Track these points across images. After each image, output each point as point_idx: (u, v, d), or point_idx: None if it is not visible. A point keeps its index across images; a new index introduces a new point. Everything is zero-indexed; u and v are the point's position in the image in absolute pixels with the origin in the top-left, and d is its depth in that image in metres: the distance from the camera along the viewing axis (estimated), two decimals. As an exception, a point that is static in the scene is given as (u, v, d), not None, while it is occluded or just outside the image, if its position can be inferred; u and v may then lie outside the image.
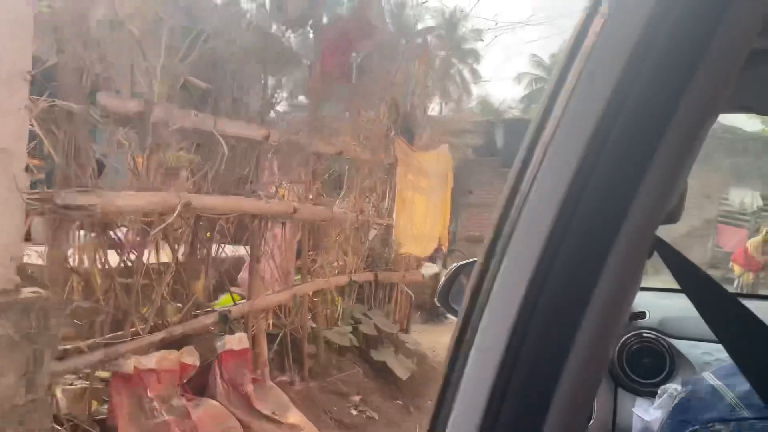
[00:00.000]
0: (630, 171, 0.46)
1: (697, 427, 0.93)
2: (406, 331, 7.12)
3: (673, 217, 0.66)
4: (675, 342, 1.70)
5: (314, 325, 5.14)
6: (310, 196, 5.03)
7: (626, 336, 1.72)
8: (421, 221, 6.68)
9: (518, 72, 31.89)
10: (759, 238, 10.28)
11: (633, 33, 0.46)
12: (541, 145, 0.50)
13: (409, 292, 6.60)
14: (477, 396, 0.48)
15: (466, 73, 31.62)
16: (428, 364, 6.72)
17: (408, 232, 6.39)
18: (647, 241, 0.48)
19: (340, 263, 5.67)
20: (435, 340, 8.78)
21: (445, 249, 9.47)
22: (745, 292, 9.01)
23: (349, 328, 5.47)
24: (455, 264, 1.72)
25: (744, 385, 0.87)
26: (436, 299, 1.64)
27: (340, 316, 5.51)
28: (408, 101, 6.74)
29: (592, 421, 1.61)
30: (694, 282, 0.62)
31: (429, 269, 10.96)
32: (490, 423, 0.47)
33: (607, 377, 1.70)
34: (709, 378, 0.98)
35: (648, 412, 1.53)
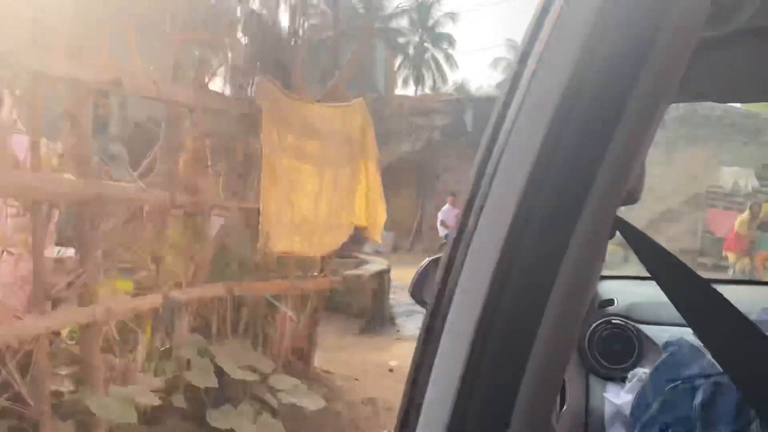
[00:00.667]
0: (588, 156, 0.48)
1: (678, 382, 1.02)
2: (306, 362, 4.94)
3: (632, 198, 0.70)
4: (643, 327, 1.73)
5: (71, 389, 2.92)
6: (55, 160, 2.83)
7: (596, 323, 1.74)
8: (310, 204, 4.47)
9: (494, 57, 30.41)
10: (745, 214, 10.13)
11: (586, 24, 0.48)
12: (503, 133, 0.52)
13: (291, 314, 4.36)
14: (448, 381, 0.49)
15: (438, 55, 29.89)
16: (329, 414, 4.53)
17: (284, 221, 4.18)
18: (608, 221, 0.50)
19: (149, 274, 3.46)
20: (371, 359, 6.57)
21: (378, 239, 7.10)
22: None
23: (158, 382, 3.25)
24: (428, 258, 1.72)
25: None
26: (409, 293, 1.64)
27: (145, 363, 3.29)
28: (290, 27, 4.55)
29: (565, 407, 1.63)
30: (655, 258, 0.62)
31: (373, 266, 8.89)
32: (463, 407, 0.49)
33: (578, 363, 1.72)
34: (691, 338, 1.04)
35: (619, 396, 1.60)
